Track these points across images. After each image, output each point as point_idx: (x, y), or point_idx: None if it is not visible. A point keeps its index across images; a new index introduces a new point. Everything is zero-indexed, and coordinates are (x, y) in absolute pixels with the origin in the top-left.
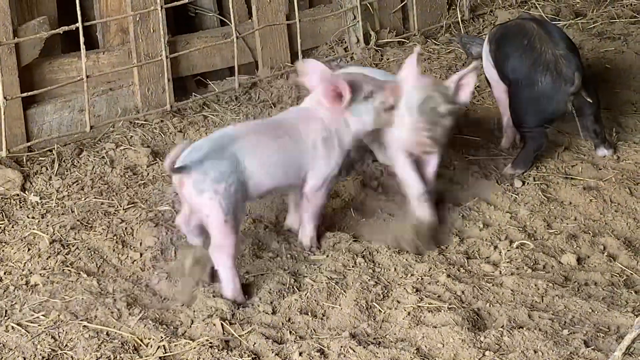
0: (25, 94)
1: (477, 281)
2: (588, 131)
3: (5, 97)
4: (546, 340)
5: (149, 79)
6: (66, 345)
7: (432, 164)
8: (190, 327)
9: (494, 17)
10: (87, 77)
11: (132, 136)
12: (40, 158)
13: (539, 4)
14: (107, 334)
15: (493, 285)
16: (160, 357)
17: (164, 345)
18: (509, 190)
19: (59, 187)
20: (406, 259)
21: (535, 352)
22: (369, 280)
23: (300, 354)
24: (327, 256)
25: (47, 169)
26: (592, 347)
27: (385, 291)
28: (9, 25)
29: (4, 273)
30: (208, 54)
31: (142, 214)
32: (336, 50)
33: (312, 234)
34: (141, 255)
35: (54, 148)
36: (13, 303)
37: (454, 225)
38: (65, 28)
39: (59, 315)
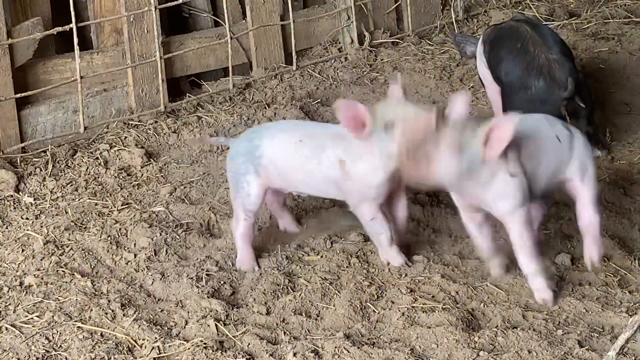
0: (19, 95)
1: (471, 281)
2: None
3: None
4: (540, 341)
5: (143, 80)
6: (60, 346)
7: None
8: (185, 327)
9: (488, 17)
10: (81, 77)
11: (126, 137)
12: (34, 159)
13: (533, 4)
14: (102, 335)
15: (487, 285)
16: (154, 358)
17: (158, 346)
18: None
19: (53, 188)
20: None
21: (529, 352)
22: (363, 280)
23: (294, 354)
24: (321, 257)
25: (41, 170)
26: (587, 347)
27: (380, 292)
28: (2, 26)
29: None
30: (202, 54)
31: (136, 215)
32: (330, 51)
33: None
34: (135, 256)
35: (47, 149)
36: (7, 304)
37: (449, 226)
38: (59, 29)
39: (53, 316)
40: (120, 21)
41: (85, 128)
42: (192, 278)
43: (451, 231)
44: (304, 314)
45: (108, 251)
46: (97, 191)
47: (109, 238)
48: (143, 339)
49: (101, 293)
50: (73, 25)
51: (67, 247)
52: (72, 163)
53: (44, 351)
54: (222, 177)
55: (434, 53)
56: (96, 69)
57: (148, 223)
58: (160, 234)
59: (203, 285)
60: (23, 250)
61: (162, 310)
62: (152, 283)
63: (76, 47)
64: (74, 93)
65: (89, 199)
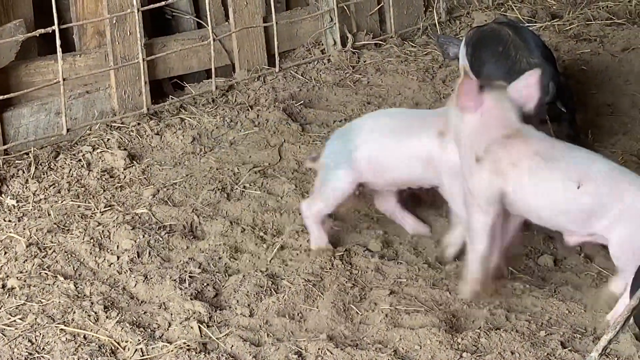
0: (1, 97)
1: (454, 283)
2: (562, 136)
3: None
4: (523, 342)
5: (125, 82)
6: (43, 348)
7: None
8: (168, 329)
9: (471, 19)
10: (64, 80)
11: (109, 139)
12: (16, 161)
13: (515, 6)
14: (85, 337)
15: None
16: None
17: (141, 348)
18: None
19: (36, 190)
20: (383, 262)
21: (512, 353)
22: (346, 282)
23: (278, 356)
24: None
25: (23, 172)
26: (569, 348)
27: (363, 293)
28: None
29: None
30: (185, 56)
31: (119, 217)
32: (313, 53)
33: None
34: (118, 258)
35: (30, 151)
36: None
37: (432, 227)
38: (42, 31)
39: (35, 319)
40: (102, 23)
41: (67, 130)
42: (175, 280)
43: (434, 232)
44: (287, 315)
45: (91, 253)
46: (80, 193)
47: (92, 240)
48: (126, 341)
49: (84, 295)
50: (55, 27)
51: (50, 249)
52: (55, 165)
53: (26, 354)
54: (205, 178)
55: (417, 55)
56: (79, 71)
57: (131, 225)
58: (143, 236)
59: (186, 287)
60: (5, 253)
61: (145, 313)
62: (135, 285)
63: (59, 49)
64: (56, 95)
65: (71, 201)
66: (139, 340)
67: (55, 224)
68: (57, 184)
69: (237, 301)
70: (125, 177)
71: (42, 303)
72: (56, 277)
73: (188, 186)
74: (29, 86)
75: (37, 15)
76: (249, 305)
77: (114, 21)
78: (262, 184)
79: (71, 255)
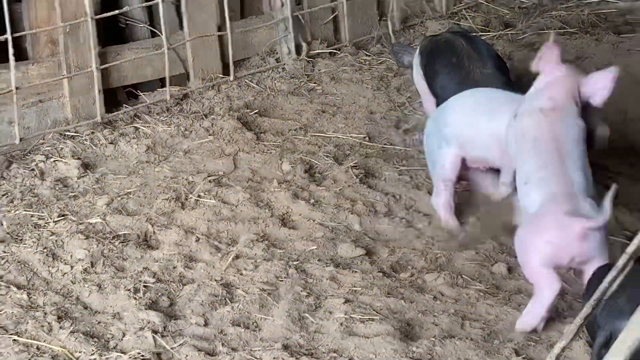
0: None
1: (408, 291)
2: None
3: None
4: (477, 350)
5: (79, 91)
6: None
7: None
8: (122, 340)
9: (425, 28)
10: (17, 88)
11: (62, 148)
12: None
13: (469, 15)
14: (38, 348)
15: (425, 294)
16: None
17: (95, 359)
18: None
19: None
20: (338, 270)
21: None
22: (301, 291)
23: None
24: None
25: None
26: (523, 356)
27: (318, 302)
28: None
29: None
30: (139, 65)
31: (73, 227)
32: (267, 61)
33: None
34: (72, 268)
35: None
36: None
37: (386, 235)
38: None
39: None
40: (56, 32)
41: (20, 139)
42: (129, 290)
43: (388, 240)
44: (242, 325)
45: (44, 263)
46: (33, 203)
47: (45, 250)
48: (80, 352)
49: (37, 306)
50: (8, 35)
51: (3, 259)
52: (8, 174)
53: None
54: (159, 188)
55: (371, 63)
56: (32, 80)
57: (84, 235)
58: (97, 246)
59: (140, 297)
60: None
61: (99, 323)
62: (89, 295)
63: (11, 57)
64: (9, 104)
65: (24, 210)
66: (93, 350)
67: (7, 233)
68: (9, 194)
69: (192, 311)
70: (78, 186)
71: None
72: (9, 287)
73: (142, 195)
74: None
75: None
76: (203, 314)
77: (67, 30)
78: (217, 193)
79: (24, 265)
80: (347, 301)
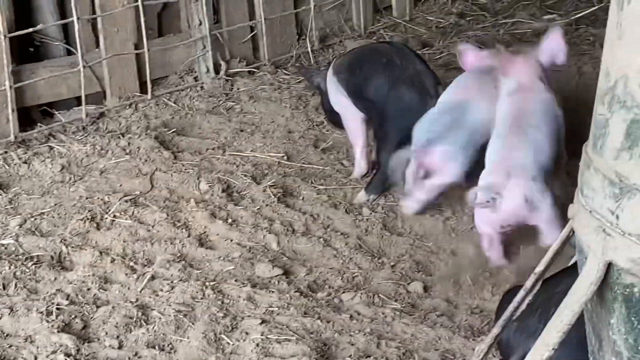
0: None
1: (325, 311)
2: None
3: None
4: None
5: None
6: None
7: None
8: None
9: (343, 47)
10: None
11: None
12: None
13: (387, 34)
14: None
15: (341, 314)
16: None
17: None
18: (358, 219)
19: None
20: (255, 290)
21: None
22: (217, 312)
23: None
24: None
25: None
26: None
27: (234, 323)
28: None
29: None
30: (54, 83)
31: None
32: (186, 80)
33: None
34: None
35: None
36: None
37: (304, 255)
38: None
39: None
40: None
41: None
42: (42, 312)
43: (306, 260)
44: (157, 347)
45: None
46: None
47: None
48: None
49: None
50: None
51: None
52: None
53: None
54: (74, 208)
55: (290, 82)
56: None
57: None
58: (9, 268)
59: (53, 320)
60: None
61: (10, 346)
62: (1, 318)
63: None
64: None
65: None
66: None
67: None
68: None
69: (106, 333)
70: None
71: None
72: None
73: (56, 216)
74: None
75: None
76: (118, 336)
77: None
78: (133, 213)
79: None
80: (263, 322)
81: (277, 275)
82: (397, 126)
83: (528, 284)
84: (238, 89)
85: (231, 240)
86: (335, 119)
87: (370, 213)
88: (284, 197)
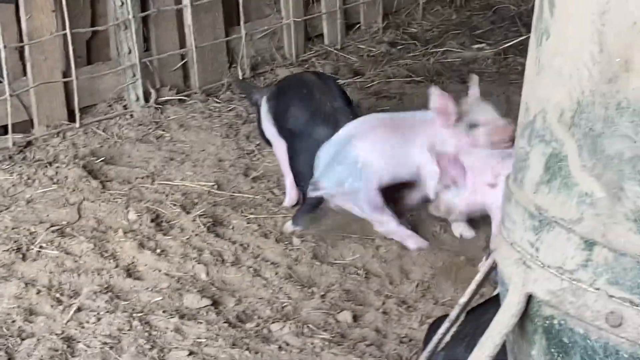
0: None
1: (254, 342)
2: None
3: None
4: None
5: None
6: None
7: None
8: None
9: (275, 75)
10: None
11: None
12: None
13: (319, 63)
14: None
15: (270, 345)
16: None
17: None
18: (288, 248)
19: None
20: (183, 322)
21: None
22: (144, 343)
23: None
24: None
25: None
26: None
27: (161, 355)
28: None
29: None
30: None
31: None
32: (115, 108)
33: None
34: None
35: None
36: None
37: (233, 285)
38: None
39: None
40: None
41: None
42: None
43: (235, 290)
44: None
45: None
46: None
47: None
48: None
49: None
50: None
51: None
52: None
53: None
54: None
55: (221, 110)
56: None
57: None
58: None
59: None
60: None
61: None
62: None
63: None
64: None
65: None
66: None
67: None
68: None
69: None
70: None
71: None
72: None
73: None
74: None
75: None
76: None
77: None
78: (60, 243)
79: None
80: (191, 353)
81: (206, 305)
82: (305, 161)
83: (452, 314)
84: (168, 117)
85: (159, 271)
86: (263, 136)
87: (301, 242)
88: (213, 227)
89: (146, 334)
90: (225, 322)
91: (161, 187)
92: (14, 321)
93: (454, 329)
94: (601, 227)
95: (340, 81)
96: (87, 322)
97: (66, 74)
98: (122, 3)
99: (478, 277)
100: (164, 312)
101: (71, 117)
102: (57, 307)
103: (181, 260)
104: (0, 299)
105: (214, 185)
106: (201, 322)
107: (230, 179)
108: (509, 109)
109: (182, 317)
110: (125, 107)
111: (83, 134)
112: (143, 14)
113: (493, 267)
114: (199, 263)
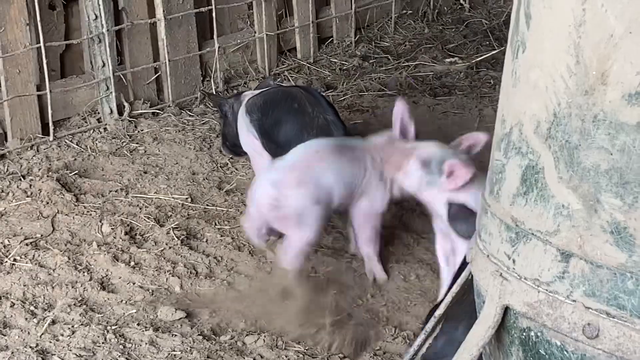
0: None
1: (228, 354)
2: None
3: None
4: None
5: None
6: None
7: None
8: None
9: (248, 88)
10: None
11: None
12: None
13: (291, 76)
14: None
15: (244, 357)
16: None
17: None
18: (262, 261)
19: None
20: (157, 334)
21: None
22: (119, 356)
23: None
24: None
25: None
26: None
27: None
28: None
29: None
30: None
31: None
32: (89, 121)
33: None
34: None
35: None
36: None
37: (207, 297)
38: None
39: None
40: None
41: None
42: None
43: (209, 302)
44: None
45: None
46: None
47: None
48: None
49: None
50: None
51: None
52: None
53: None
54: None
55: (195, 124)
56: None
57: None
58: None
59: None
60: None
61: None
62: None
63: None
64: None
65: None
66: None
67: None
68: None
69: None
70: None
71: None
72: None
73: None
74: None
75: None
76: None
77: None
78: (34, 256)
79: None
80: None
81: (180, 318)
82: None
83: (429, 326)
84: (142, 130)
85: (133, 284)
86: (233, 148)
87: (274, 255)
88: (187, 240)
89: (121, 346)
90: (199, 335)
91: (135, 200)
92: None
93: (430, 340)
94: (578, 239)
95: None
96: (62, 335)
97: (40, 87)
98: (96, 17)
99: (455, 289)
100: (138, 324)
101: (45, 131)
102: (32, 320)
103: (155, 273)
104: None
105: (187, 198)
106: (176, 335)
107: (203, 192)
108: (482, 123)
109: (156, 329)
110: (99, 120)
111: (57, 147)
112: (117, 28)
113: (469, 280)
114: (173, 276)
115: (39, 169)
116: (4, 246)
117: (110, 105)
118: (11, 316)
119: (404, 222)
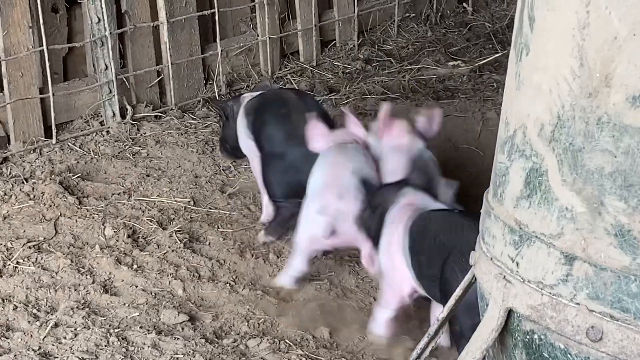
0: None
1: (231, 357)
2: None
3: None
4: None
5: None
6: None
7: None
8: None
9: (250, 92)
10: None
11: None
12: None
13: (294, 80)
14: None
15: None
16: None
17: None
18: (264, 264)
19: None
20: (160, 337)
21: None
22: (121, 359)
23: None
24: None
25: None
26: None
27: None
28: None
29: None
30: None
31: None
32: (91, 124)
33: None
34: None
35: None
36: None
37: (210, 301)
38: None
39: None
40: None
41: None
42: None
43: (212, 306)
44: None
45: None
46: None
47: None
48: None
49: None
50: None
51: None
52: None
53: None
54: None
55: (197, 127)
56: None
57: None
58: None
59: None
60: None
61: None
62: None
63: None
64: None
65: None
66: None
67: None
68: None
69: None
70: None
71: None
72: None
73: None
74: None
75: None
76: None
77: None
78: (37, 259)
79: None
80: None
81: (183, 321)
82: (280, 181)
83: (432, 329)
84: (144, 133)
85: (136, 287)
86: (233, 150)
87: (277, 258)
88: (190, 243)
89: (123, 349)
90: (202, 338)
91: (138, 203)
92: None
93: (433, 344)
94: (581, 242)
95: (316, 98)
96: (64, 337)
97: (43, 90)
98: (99, 20)
99: (457, 292)
100: (141, 327)
101: (48, 134)
102: (34, 323)
103: (158, 276)
104: None
105: (190, 201)
106: (178, 338)
107: (206, 195)
108: (484, 126)
109: (159, 332)
110: (101, 123)
111: (59, 150)
112: (119, 31)
113: (471, 283)
114: (175, 279)
115: (42, 172)
116: (7, 249)
117: (112, 108)
118: (14, 319)
119: None
